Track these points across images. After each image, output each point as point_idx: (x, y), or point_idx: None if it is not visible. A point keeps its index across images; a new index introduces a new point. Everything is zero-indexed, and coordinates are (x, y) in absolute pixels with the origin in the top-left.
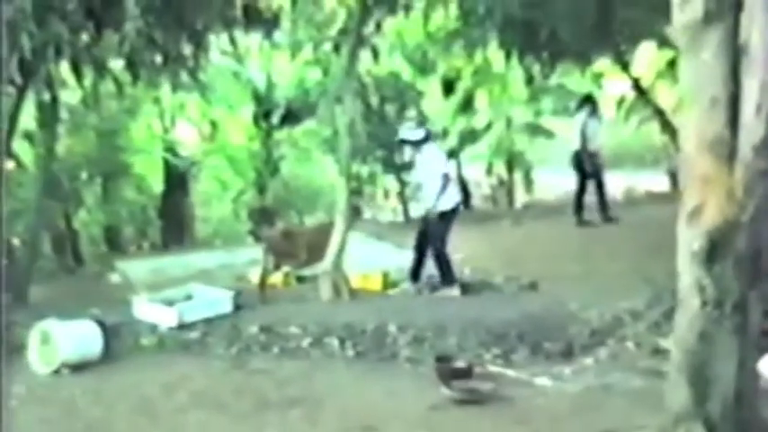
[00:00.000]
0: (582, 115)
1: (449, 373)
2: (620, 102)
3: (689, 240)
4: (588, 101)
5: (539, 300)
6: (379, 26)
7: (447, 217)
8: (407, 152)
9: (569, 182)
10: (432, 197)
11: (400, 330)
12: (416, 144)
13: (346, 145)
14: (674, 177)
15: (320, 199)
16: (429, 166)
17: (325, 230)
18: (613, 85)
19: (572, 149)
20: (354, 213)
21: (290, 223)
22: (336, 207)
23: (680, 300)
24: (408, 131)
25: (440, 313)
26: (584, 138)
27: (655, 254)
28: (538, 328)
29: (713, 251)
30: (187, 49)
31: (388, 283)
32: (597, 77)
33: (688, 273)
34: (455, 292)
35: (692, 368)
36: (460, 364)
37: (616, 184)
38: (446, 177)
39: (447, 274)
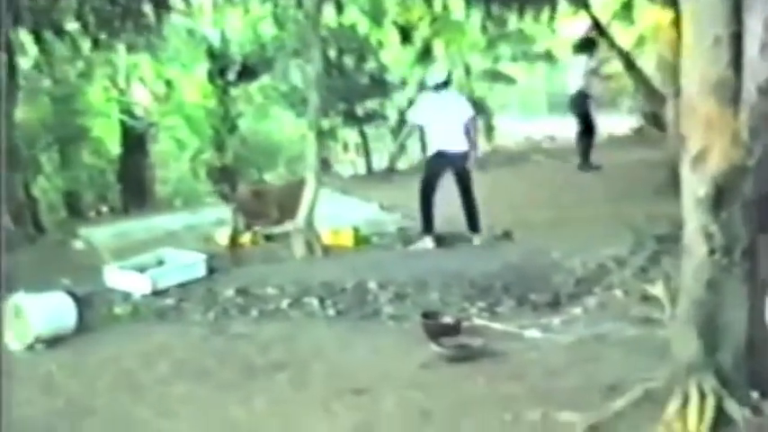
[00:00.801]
0: (583, 58)
1: (437, 329)
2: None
3: (694, 186)
4: (589, 43)
5: (518, 250)
6: None
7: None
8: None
9: (530, 127)
10: (461, 140)
11: (380, 287)
12: (439, 87)
13: (315, 99)
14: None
15: (280, 155)
16: (454, 109)
17: (295, 188)
18: (567, 29)
19: (571, 93)
20: (324, 167)
21: (250, 180)
22: (305, 162)
23: (685, 247)
24: (436, 75)
25: (418, 268)
26: (588, 80)
27: (628, 198)
28: (521, 279)
29: (719, 197)
30: (147, 8)
31: (359, 239)
32: (550, 21)
33: (693, 220)
34: (429, 243)
35: (701, 318)
36: (448, 319)
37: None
38: (475, 120)
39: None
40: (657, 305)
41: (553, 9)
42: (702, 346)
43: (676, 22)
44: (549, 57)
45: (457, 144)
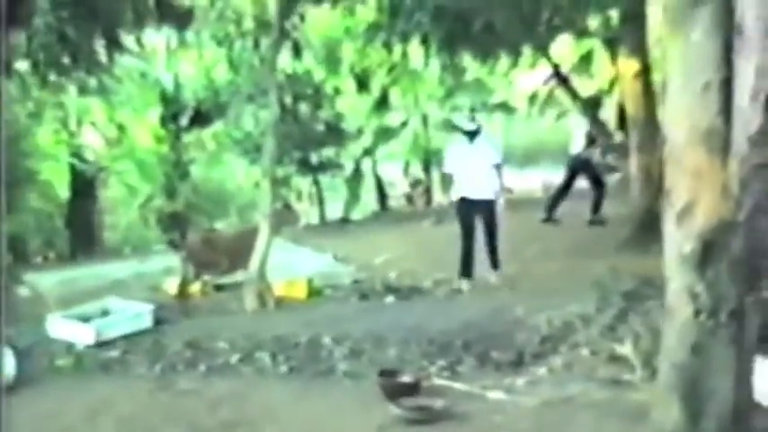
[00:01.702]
0: (583, 119)
1: (395, 389)
2: (532, 97)
3: (679, 242)
4: (594, 103)
5: (479, 305)
6: (302, 18)
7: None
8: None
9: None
10: (488, 187)
11: (335, 342)
12: (471, 135)
13: (271, 145)
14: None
15: (231, 202)
16: (483, 157)
17: (247, 236)
18: (524, 81)
19: (570, 153)
20: (290, 217)
21: (201, 229)
22: (258, 210)
23: (668, 308)
24: (464, 121)
25: (375, 322)
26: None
27: (590, 252)
28: (483, 336)
29: (706, 254)
30: (99, 46)
31: (313, 290)
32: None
33: (678, 278)
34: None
35: (685, 383)
36: (406, 378)
37: (533, 180)
38: (500, 167)
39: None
40: (626, 365)
41: (516, 57)
42: (685, 413)
43: (641, 74)
44: (506, 108)
45: (483, 191)
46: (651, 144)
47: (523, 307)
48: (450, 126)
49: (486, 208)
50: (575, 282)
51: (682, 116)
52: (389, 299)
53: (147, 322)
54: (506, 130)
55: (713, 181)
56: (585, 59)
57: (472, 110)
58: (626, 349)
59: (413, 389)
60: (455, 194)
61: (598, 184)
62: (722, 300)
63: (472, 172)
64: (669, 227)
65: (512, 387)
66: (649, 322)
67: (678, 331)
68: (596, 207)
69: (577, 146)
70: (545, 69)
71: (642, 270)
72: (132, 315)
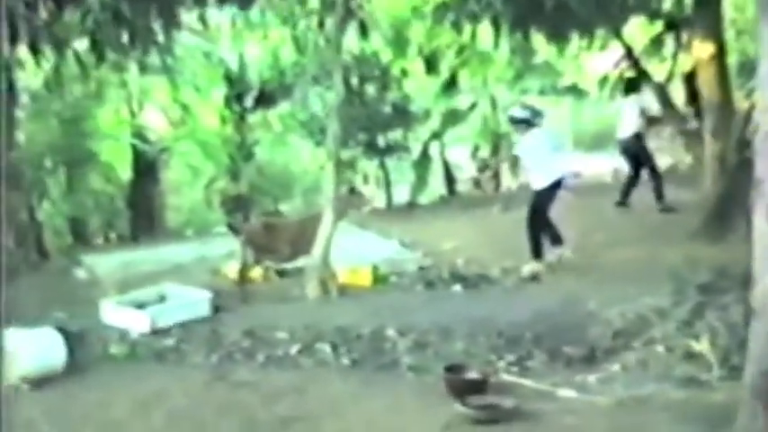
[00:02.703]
0: (634, 97)
1: (462, 386)
2: (603, 81)
3: None
4: (635, 83)
5: (549, 296)
6: None
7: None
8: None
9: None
10: (538, 177)
11: (400, 334)
12: (523, 123)
13: (335, 128)
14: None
15: (296, 185)
16: (533, 146)
17: (310, 222)
18: (594, 64)
19: (620, 137)
20: (358, 202)
21: (264, 211)
22: (323, 194)
23: (756, 308)
24: (518, 110)
25: (442, 313)
26: (653, 121)
27: (662, 241)
28: (554, 330)
29: None
30: (156, 25)
31: (378, 278)
32: (576, 56)
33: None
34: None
35: None
36: (474, 374)
37: (602, 165)
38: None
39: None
40: (703, 363)
41: (590, 38)
42: None
43: (716, 57)
44: (577, 91)
45: (534, 181)
46: (726, 129)
47: (595, 298)
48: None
49: (535, 196)
50: (648, 271)
51: None
52: (456, 288)
53: (204, 310)
54: (575, 113)
55: None
56: (656, 42)
57: (541, 92)
58: (703, 346)
59: (480, 386)
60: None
61: (653, 170)
62: None
63: (529, 161)
64: (759, 220)
65: (583, 385)
66: (727, 318)
67: (767, 334)
68: (659, 193)
69: (627, 128)
70: (615, 52)
71: (718, 261)
72: (189, 302)
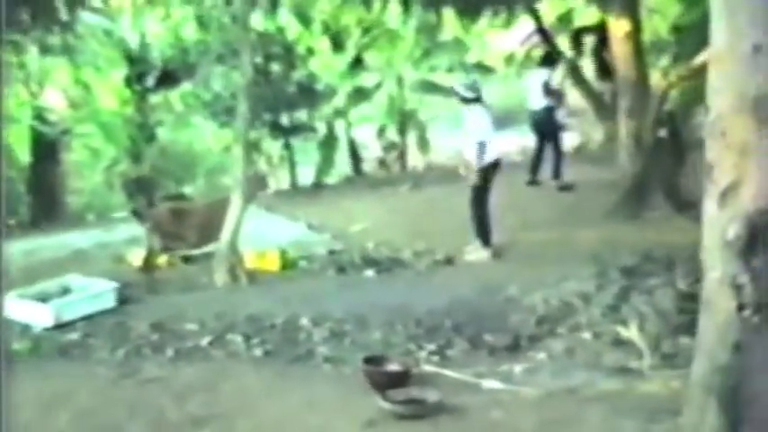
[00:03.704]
0: (543, 71)
1: (383, 378)
2: (509, 58)
3: (721, 226)
4: (551, 57)
5: (466, 281)
6: None
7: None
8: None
9: (460, 142)
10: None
11: (314, 323)
12: (466, 101)
13: (243, 109)
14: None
15: (199, 166)
16: (478, 122)
17: (218, 207)
18: (499, 41)
19: (531, 108)
20: (260, 185)
21: (167, 192)
22: (231, 176)
23: (705, 301)
24: (461, 87)
25: (357, 300)
26: (553, 95)
27: (577, 221)
28: (474, 317)
29: (753, 240)
30: (59, 2)
31: (286, 262)
32: (480, 34)
33: (718, 267)
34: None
35: (725, 387)
36: (395, 366)
37: (510, 143)
38: (482, 144)
39: (481, 234)
40: (633, 351)
41: (509, 13)
42: (724, 418)
43: (632, 34)
44: (484, 68)
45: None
46: (642, 108)
47: (515, 283)
48: (429, 87)
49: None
50: (566, 253)
51: (727, 82)
52: (369, 272)
53: (110, 301)
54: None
55: (762, 156)
56: (565, 18)
57: (449, 70)
58: (631, 332)
59: (402, 378)
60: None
61: (556, 146)
62: None
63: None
64: (710, 208)
65: (509, 375)
66: (654, 302)
67: (718, 328)
68: (557, 171)
69: (538, 101)
70: (520, 30)
71: (637, 241)
72: (94, 294)
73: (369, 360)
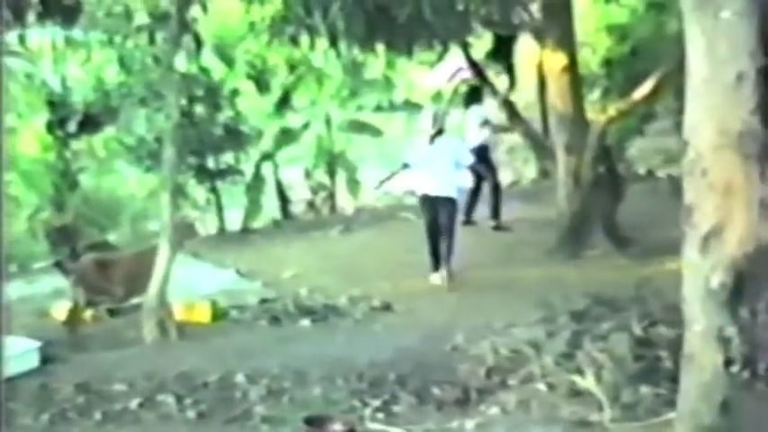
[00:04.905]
0: (476, 109)
1: None
2: (437, 95)
3: (704, 274)
4: (476, 94)
5: (407, 328)
6: (204, 8)
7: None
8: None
9: (396, 184)
10: (450, 185)
11: (250, 380)
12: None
13: (170, 153)
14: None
15: (124, 213)
16: (444, 153)
17: (144, 257)
18: (426, 79)
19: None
20: (188, 233)
21: (91, 240)
22: (159, 224)
23: (687, 356)
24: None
25: (294, 354)
26: (497, 130)
27: (519, 261)
28: (419, 368)
29: (739, 288)
30: None
31: (217, 313)
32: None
33: (702, 318)
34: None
35: None
36: (338, 426)
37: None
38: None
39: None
40: (591, 401)
41: (444, 50)
42: None
43: (568, 69)
44: (412, 105)
45: (445, 189)
46: (580, 144)
47: (460, 330)
48: (358, 127)
49: (447, 206)
50: (511, 297)
51: (708, 116)
52: (304, 322)
53: (32, 361)
54: (409, 130)
55: (748, 197)
56: (490, 55)
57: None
58: (588, 382)
59: None
60: (413, 189)
61: (495, 185)
62: (759, 346)
63: (436, 169)
64: (691, 254)
65: None
66: (609, 349)
67: (703, 385)
68: (496, 210)
69: (471, 140)
70: (446, 67)
71: (581, 282)
72: (15, 354)
73: (310, 420)
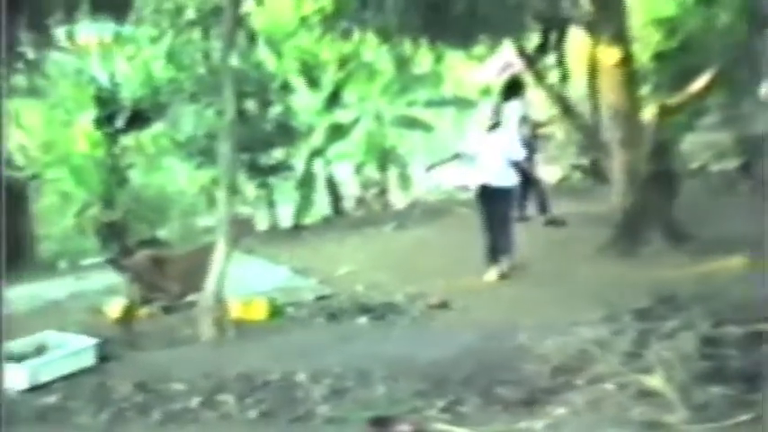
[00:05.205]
0: (516, 103)
1: None
2: (485, 90)
3: None
4: (516, 87)
5: (467, 326)
6: (260, 2)
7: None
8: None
9: (447, 178)
10: (507, 175)
11: (312, 379)
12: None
13: (227, 150)
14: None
15: (172, 209)
16: (504, 144)
17: (201, 255)
18: (475, 74)
19: None
20: (245, 229)
21: (142, 238)
22: (216, 224)
23: None
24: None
25: (356, 352)
26: (536, 127)
27: (577, 259)
28: (483, 368)
29: None
30: (26, 41)
31: (274, 311)
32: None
33: None
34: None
35: None
36: (404, 426)
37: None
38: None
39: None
40: (662, 403)
41: (497, 44)
42: None
43: (623, 63)
44: (464, 101)
45: (502, 179)
46: (636, 139)
47: (523, 329)
48: (409, 122)
49: (505, 196)
50: (570, 294)
51: None
52: (362, 320)
53: (89, 359)
54: (457, 125)
55: None
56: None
57: (428, 103)
58: (657, 382)
59: None
60: (466, 183)
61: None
62: None
63: (492, 160)
64: None
65: None
66: (677, 348)
67: None
68: (543, 205)
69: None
70: (496, 61)
71: (639, 280)
72: (72, 352)
73: (375, 421)
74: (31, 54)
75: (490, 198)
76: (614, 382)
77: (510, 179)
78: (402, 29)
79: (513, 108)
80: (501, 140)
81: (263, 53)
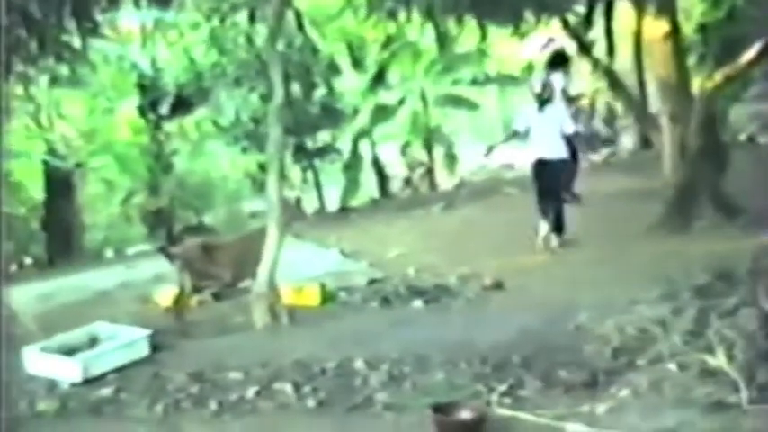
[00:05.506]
0: (558, 76)
1: (457, 428)
2: (529, 67)
3: None
4: (561, 60)
5: (523, 308)
6: None
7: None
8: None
9: (493, 157)
10: (562, 148)
11: (369, 366)
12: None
13: (276, 134)
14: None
15: (217, 195)
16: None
17: (252, 241)
18: (519, 50)
19: None
20: (296, 213)
21: (188, 224)
22: (268, 209)
23: None
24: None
25: (413, 337)
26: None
27: (630, 235)
28: (543, 350)
29: None
30: (70, 28)
31: (327, 296)
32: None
33: None
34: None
35: None
36: (467, 412)
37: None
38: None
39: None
40: (726, 382)
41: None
42: None
43: (671, 35)
44: (509, 78)
45: (558, 151)
46: (686, 113)
47: (582, 309)
48: (454, 101)
49: (563, 168)
50: (627, 272)
51: None
52: (417, 303)
53: (142, 350)
54: (501, 101)
55: None
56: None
57: (473, 82)
58: (720, 360)
59: (477, 426)
60: (522, 158)
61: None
62: None
63: (548, 134)
64: None
65: (592, 416)
66: (740, 325)
67: None
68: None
69: None
70: (539, 37)
71: (696, 255)
72: (125, 343)
73: (437, 407)
74: (76, 43)
75: (546, 172)
76: (676, 361)
77: (564, 151)
78: (449, 7)
79: (554, 80)
80: (553, 114)
81: (308, 35)
